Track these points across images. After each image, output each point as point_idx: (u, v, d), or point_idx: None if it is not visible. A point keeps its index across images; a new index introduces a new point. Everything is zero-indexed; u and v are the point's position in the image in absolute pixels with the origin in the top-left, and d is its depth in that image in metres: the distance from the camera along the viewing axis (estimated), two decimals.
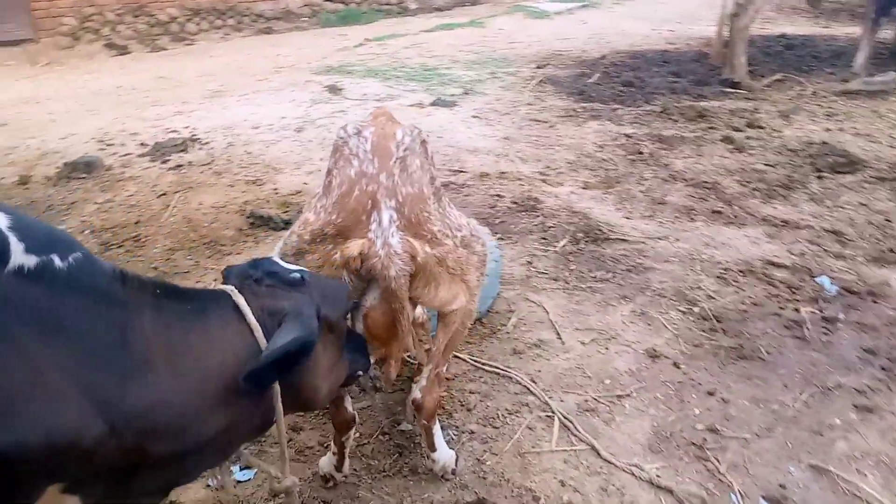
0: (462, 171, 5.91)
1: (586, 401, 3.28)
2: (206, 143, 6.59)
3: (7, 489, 1.33)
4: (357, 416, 2.66)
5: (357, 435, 3.07)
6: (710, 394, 3.31)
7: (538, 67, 9.41)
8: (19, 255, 1.33)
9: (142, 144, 6.54)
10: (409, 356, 3.38)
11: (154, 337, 1.53)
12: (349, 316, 2.35)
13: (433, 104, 7.57)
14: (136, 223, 5.12)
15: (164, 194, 5.53)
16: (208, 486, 2.81)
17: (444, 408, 3.22)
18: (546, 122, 7.13)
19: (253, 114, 7.41)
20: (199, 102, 7.98)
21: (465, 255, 2.48)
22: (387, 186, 2.25)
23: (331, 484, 2.78)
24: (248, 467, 2.89)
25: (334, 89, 8.16)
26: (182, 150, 6.32)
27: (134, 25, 13.60)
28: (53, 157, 6.24)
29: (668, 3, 15.65)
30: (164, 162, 6.10)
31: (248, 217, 5.08)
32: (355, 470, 2.87)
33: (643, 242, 4.74)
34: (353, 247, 2.19)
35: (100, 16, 13.17)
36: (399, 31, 13.24)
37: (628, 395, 3.31)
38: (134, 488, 1.62)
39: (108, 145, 6.57)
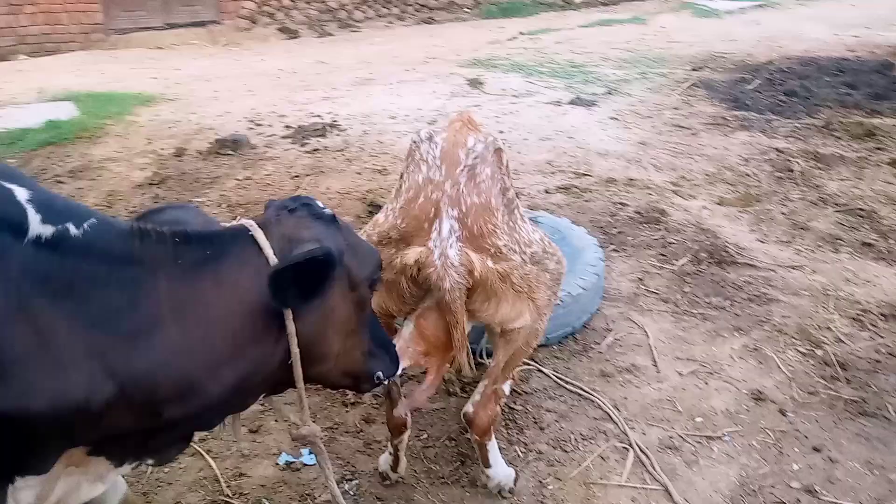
0: (587, 175, 5.71)
1: (671, 437, 3.06)
2: (344, 129, 6.84)
3: (23, 452, 1.43)
4: (409, 421, 2.64)
5: (424, 436, 3.07)
6: (816, 450, 2.98)
7: (693, 70, 8.87)
8: (36, 226, 1.40)
9: (287, 127, 6.91)
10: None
11: (167, 292, 1.53)
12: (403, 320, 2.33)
13: (571, 102, 7.37)
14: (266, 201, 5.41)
15: (296, 176, 5.81)
16: (277, 464, 2.93)
17: (515, 422, 3.13)
18: (689, 129, 6.71)
19: (392, 103, 7.59)
20: (346, 89, 8.30)
21: (535, 272, 2.37)
22: (451, 195, 2.20)
23: (388, 482, 2.79)
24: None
25: (475, 83, 8.18)
26: (321, 135, 6.60)
27: (306, 11, 14.41)
28: (208, 132, 6.74)
29: (860, 5, 14.16)
30: (302, 145, 6.41)
31: (368, 205, 5.21)
32: (415, 471, 2.87)
33: (773, 270, 4.33)
34: (410, 255, 2.17)
35: (276, 1, 14.08)
36: (555, 25, 13.00)
37: (719, 438, 3.05)
38: (157, 443, 1.68)
39: (257, 125, 7.01)
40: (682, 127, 6.79)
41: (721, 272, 4.31)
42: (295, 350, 1.68)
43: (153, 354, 1.49)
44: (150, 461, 1.74)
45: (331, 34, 13.78)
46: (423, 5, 15.95)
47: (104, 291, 1.45)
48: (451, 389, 3.29)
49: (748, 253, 4.53)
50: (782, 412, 3.18)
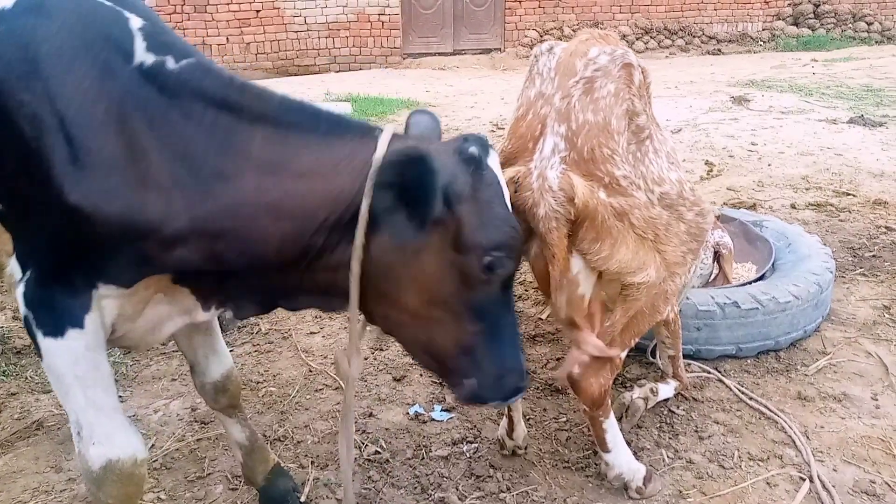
0: (849, 195, 4.84)
1: (872, 482, 2.39)
2: None
3: (101, 256, 1.53)
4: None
5: (562, 419, 2.79)
6: None
7: None
8: (140, 53, 1.51)
9: None
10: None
11: (260, 149, 1.51)
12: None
13: (850, 121, 6.36)
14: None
15: None
16: (407, 413, 2.88)
17: (671, 426, 2.70)
18: None
19: None
20: None
21: (666, 218, 2.00)
22: (559, 109, 1.93)
23: (505, 451, 2.57)
24: (446, 410, 2.87)
25: (740, 100, 7.47)
26: None
27: None
28: (454, 132, 7.05)
29: None
30: None
31: None
32: (540, 450, 2.61)
33: None
34: (507, 174, 1.87)
35: (558, 30, 14.43)
36: (859, 55, 11.42)
37: None
38: (232, 294, 1.69)
39: (500, 129, 7.18)
40: None
41: None
42: (356, 267, 1.53)
43: (226, 201, 1.50)
44: (229, 310, 1.76)
45: None
46: (710, 37, 15.10)
47: (193, 128, 1.50)
48: None
49: None
50: None
